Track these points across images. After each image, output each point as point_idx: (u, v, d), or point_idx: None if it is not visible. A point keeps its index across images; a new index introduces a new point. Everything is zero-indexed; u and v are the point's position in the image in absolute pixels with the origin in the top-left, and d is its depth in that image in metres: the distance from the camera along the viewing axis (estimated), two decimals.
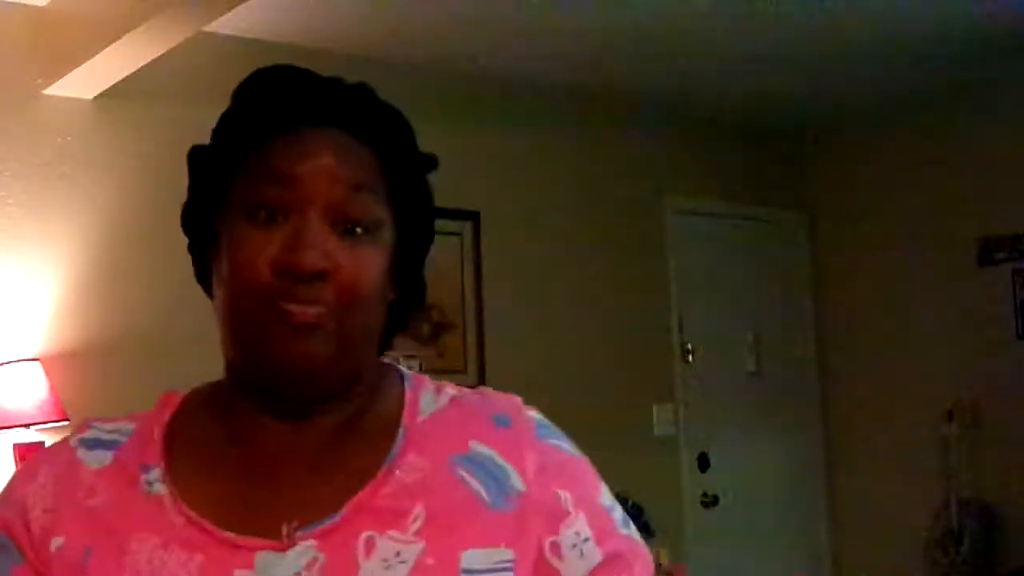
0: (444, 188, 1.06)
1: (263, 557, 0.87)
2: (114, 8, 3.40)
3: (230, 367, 0.96)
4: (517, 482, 0.93)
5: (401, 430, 0.95)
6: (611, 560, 0.94)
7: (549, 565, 0.92)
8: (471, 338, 4.53)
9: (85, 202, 3.79)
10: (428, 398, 0.98)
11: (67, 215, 3.75)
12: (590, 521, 0.95)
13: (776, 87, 5.06)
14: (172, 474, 0.92)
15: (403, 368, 1.02)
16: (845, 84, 5.05)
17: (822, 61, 4.72)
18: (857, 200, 5.61)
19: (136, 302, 3.82)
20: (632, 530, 0.99)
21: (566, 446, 0.98)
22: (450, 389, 1.00)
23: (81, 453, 0.95)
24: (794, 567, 5.39)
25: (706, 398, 5.20)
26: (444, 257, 4.39)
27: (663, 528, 3.57)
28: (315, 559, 0.87)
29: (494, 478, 0.93)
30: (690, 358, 5.24)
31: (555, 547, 0.93)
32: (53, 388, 3.47)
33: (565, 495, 0.94)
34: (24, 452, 3.41)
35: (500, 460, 0.94)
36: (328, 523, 0.88)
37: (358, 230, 0.89)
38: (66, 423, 3.48)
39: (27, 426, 3.42)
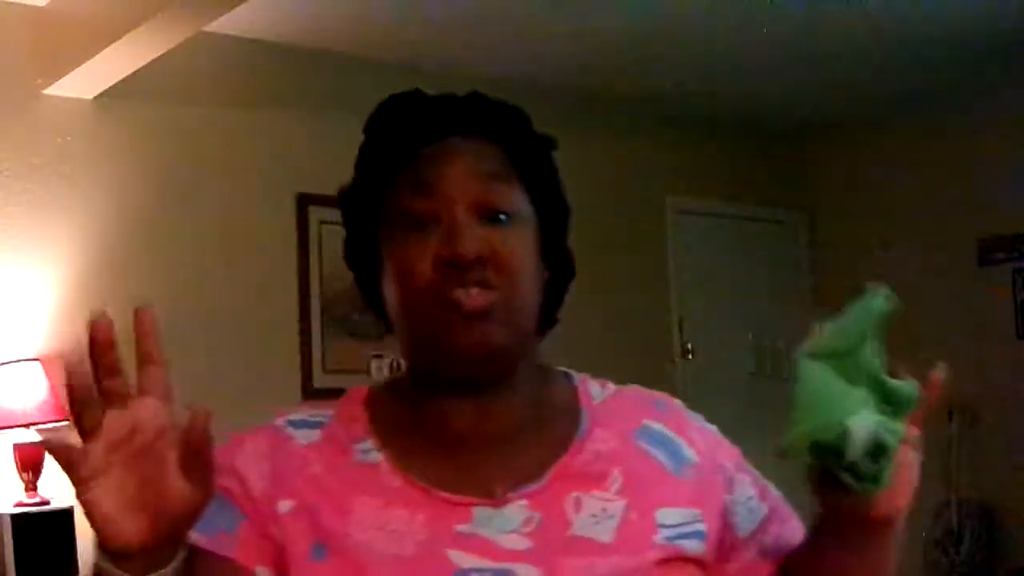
0: None
1: (481, 512, 0.96)
2: (114, 8, 3.40)
3: (412, 367, 1.05)
4: (689, 453, 1.05)
5: (584, 411, 1.05)
6: (773, 513, 1.07)
7: (727, 520, 1.04)
8: None
9: (85, 202, 3.79)
10: (596, 389, 1.09)
11: (67, 215, 3.75)
12: (752, 483, 1.08)
13: (776, 87, 5.06)
14: (383, 444, 1.01)
15: (566, 369, 1.11)
16: (845, 84, 5.05)
17: (822, 61, 4.72)
18: (857, 200, 5.61)
19: (136, 302, 3.80)
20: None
21: (712, 428, 1.11)
22: (612, 385, 1.10)
23: (290, 430, 1.03)
24: None
25: (706, 397, 5.19)
26: None
27: None
28: (531, 516, 0.96)
29: (670, 450, 1.04)
30: (690, 357, 5.25)
31: (732, 504, 1.04)
32: (53, 388, 3.47)
33: (727, 464, 1.07)
34: (24, 452, 3.41)
35: (671, 434, 1.05)
36: (535, 486, 0.98)
37: (502, 217, 0.98)
38: (66, 423, 3.48)
39: (27, 426, 3.42)
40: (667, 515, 1.00)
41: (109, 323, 0.89)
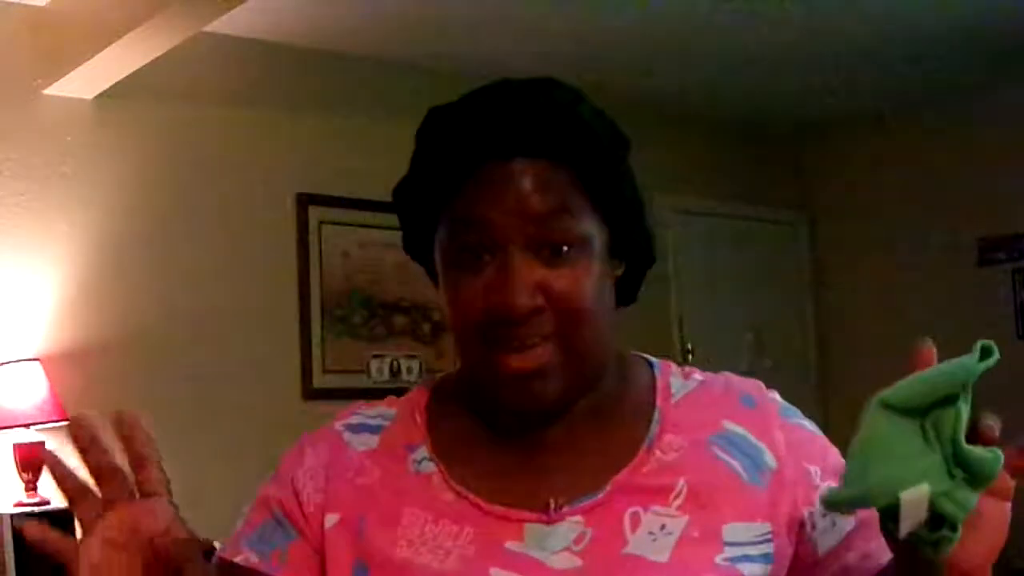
0: None
1: (532, 529, 0.91)
2: (114, 8, 3.40)
3: (465, 374, 1.01)
4: (770, 459, 0.95)
5: (656, 412, 0.98)
6: (862, 527, 0.95)
7: (805, 535, 0.94)
8: None
9: (85, 202, 3.79)
10: (677, 382, 1.01)
11: (67, 215, 3.75)
12: None
13: (776, 87, 5.06)
14: (437, 454, 0.97)
15: (649, 356, 1.04)
16: (845, 84, 5.05)
17: (822, 61, 4.72)
18: (857, 200, 5.61)
19: (136, 302, 3.82)
20: None
21: (808, 425, 1.01)
22: (697, 374, 1.02)
23: (348, 436, 1.01)
24: None
25: None
26: None
27: None
28: (583, 533, 0.91)
29: (748, 456, 0.95)
30: (690, 357, 5.25)
31: (812, 517, 0.95)
32: (53, 388, 3.47)
33: (814, 469, 0.96)
34: (24, 452, 3.41)
35: (752, 439, 0.96)
36: (592, 500, 0.92)
37: (565, 249, 0.89)
38: (66, 423, 3.48)
39: (27, 426, 3.42)
40: (735, 531, 0.92)
41: (89, 424, 0.85)
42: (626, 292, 1.00)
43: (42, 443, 3.43)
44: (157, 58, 3.50)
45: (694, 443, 0.95)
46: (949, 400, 0.79)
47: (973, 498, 0.76)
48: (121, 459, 0.84)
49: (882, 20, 4.30)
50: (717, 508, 0.92)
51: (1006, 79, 4.95)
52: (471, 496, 0.94)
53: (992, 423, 0.81)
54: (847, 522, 0.95)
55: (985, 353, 0.81)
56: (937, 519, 0.75)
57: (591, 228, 0.92)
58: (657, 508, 0.91)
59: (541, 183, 0.90)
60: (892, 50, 4.63)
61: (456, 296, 0.91)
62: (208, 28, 3.58)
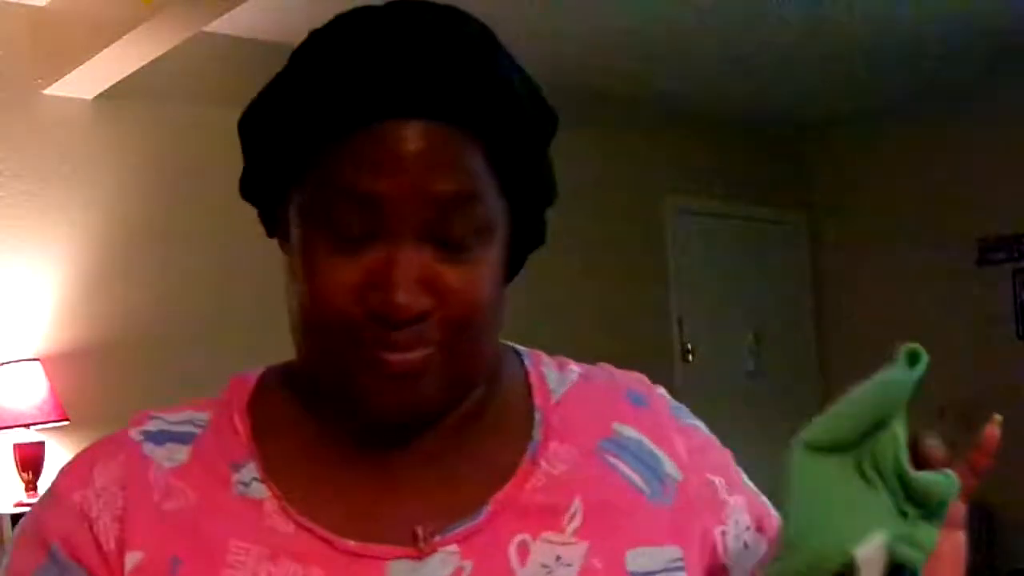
0: None
1: (397, 567, 0.73)
2: (114, 8, 3.40)
3: (312, 378, 0.79)
4: (672, 469, 0.80)
5: (538, 415, 0.81)
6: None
7: (716, 559, 0.80)
8: None
9: (85, 202, 3.80)
10: (553, 375, 0.84)
11: (67, 215, 3.75)
12: (747, 508, 0.83)
13: (776, 87, 5.06)
14: (270, 472, 0.76)
15: (515, 345, 0.87)
16: (845, 84, 5.05)
17: (822, 61, 4.72)
18: (857, 200, 5.61)
19: (136, 302, 3.82)
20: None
21: (702, 427, 0.86)
22: (572, 365, 0.86)
23: (148, 448, 0.77)
24: None
25: (706, 397, 5.20)
26: None
27: None
28: (460, 568, 0.73)
29: (647, 466, 0.80)
30: (690, 357, 5.24)
31: (723, 537, 0.81)
32: (53, 388, 3.47)
33: (718, 481, 0.82)
34: (24, 452, 3.42)
35: (649, 444, 0.81)
36: (470, 524, 0.74)
37: (465, 241, 0.71)
38: (66, 423, 3.48)
39: (27, 426, 3.42)
40: (641, 558, 0.76)
41: None
42: (509, 271, 0.80)
43: (42, 443, 3.43)
44: (157, 58, 3.50)
45: (584, 451, 0.79)
46: (881, 426, 0.65)
47: (933, 534, 0.65)
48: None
49: (882, 20, 4.31)
50: (619, 530, 0.76)
51: (1005, 79, 4.95)
52: (317, 528, 0.73)
53: (935, 442, 0.68)
54: (759, 543, 0.82)
55: (912, 359, 0.65)
56: (896, 569, 0.64)
57: (497, 216, 0.73)
58: (549, 535, 0.75)
59: (448, 157, 0.70)
60: (892, 50, 4.63)
61: (319, 281, 0.71)
62: (208, 28, 3.58)
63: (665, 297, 5.23)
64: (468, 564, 0.73)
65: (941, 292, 5.18)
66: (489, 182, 0.72)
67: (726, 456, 0.86)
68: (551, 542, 0.75)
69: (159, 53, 3.48)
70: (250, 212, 0.85)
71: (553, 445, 0.79)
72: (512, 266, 0.79)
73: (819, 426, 0.66)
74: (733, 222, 5.58)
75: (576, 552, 0.75)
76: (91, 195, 3.81)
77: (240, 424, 0.79)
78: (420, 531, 0.73)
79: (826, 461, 0.65)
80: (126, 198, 3.87)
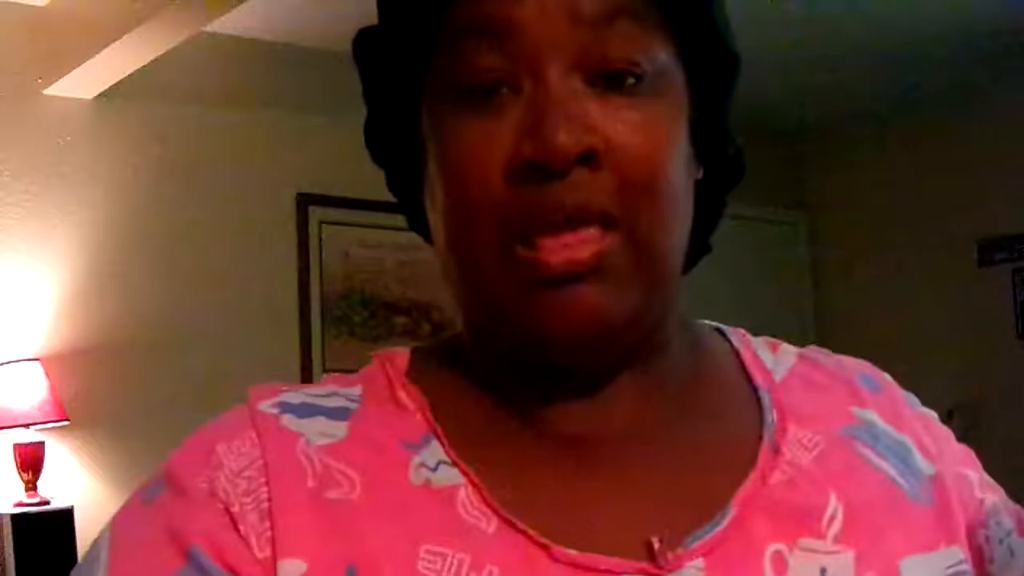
0: None
1: None
2: (114, 8, 3.40)
3: (474, 335, 0.65)
4: (922, 462, 0.67)
5: (763, 393, 0.67)
6: None
7: (982, 570, 0.66)
8: None
9: (85, 202, 3.80)
10: (767, 356, 0.71)
11: (67, 215, 3.76)
12: (1005, 507, 0.69)
13: (775, 87, 5.06)
14: (460, 454, 0.60)
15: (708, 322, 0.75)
16: (845, 84, 5.04)
17: (822, 61, 4.72)
18: (857, 200, 5.61)
19: (136, 302, 3.82)
20: None
21: (935, 416, 0.73)
22: (785, 345, 0.74)
23: (289, 421, 0.61)
24: None
25: None
26: None
27: None
28: None
29: (899, 457, 0.66)
30: None
31: (987, 544, 0.67)
32: (53, 388, 3.47)
33: (974, 476, 0.69)
34: (24, 452, 3.41)
35: (895, 433, 0.67)
36: (715, 532, 0.58)
37: (630, 80, 0.58)
38: (66, 423, 3.48)
39: (27, 426, 3.42)
40: (916, 568, 0.61)
41: None
42: (700, 231, 0.69)
43: (42, 443, 3.43)
44: (157, 58, 3.50)
45: (831, 439, 0.65)
46: None
47: None
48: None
49: (882, 20, 4.30)
50: (887, 535, 0.61)
51: (1006, 79, 4.94)
52: (528, 528, 0.57)
53: None
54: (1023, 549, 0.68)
55: None
56: None
57: (666, 55, 0.60)
58: (809, 541, 0.59)
59: None
60: (892, 50, 4.63)
61: (457, 151, 0.58)
62: (208, 28, 3.58)
63: None
64: None
65: (941, 292, 5.18)
66: (649, 8, 0.59)
67: (969, 450, 0.72)
68: (813, 551, 0.59)
69: (159, 53, 3.48)
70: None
71: (792, 429, 0.65)
72: (707, 219, 0.70)
73: None
74: (732, 222, 5.50)
75: (844, 563, 0.59)
76: (91, 195, 3.81)
77: (408, 398, 0.63)
78: (656, 541, 0.57)
79: None
80: (126, 198, 3.87)
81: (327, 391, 0.64)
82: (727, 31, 0.68)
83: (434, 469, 0.59)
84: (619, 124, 0.57)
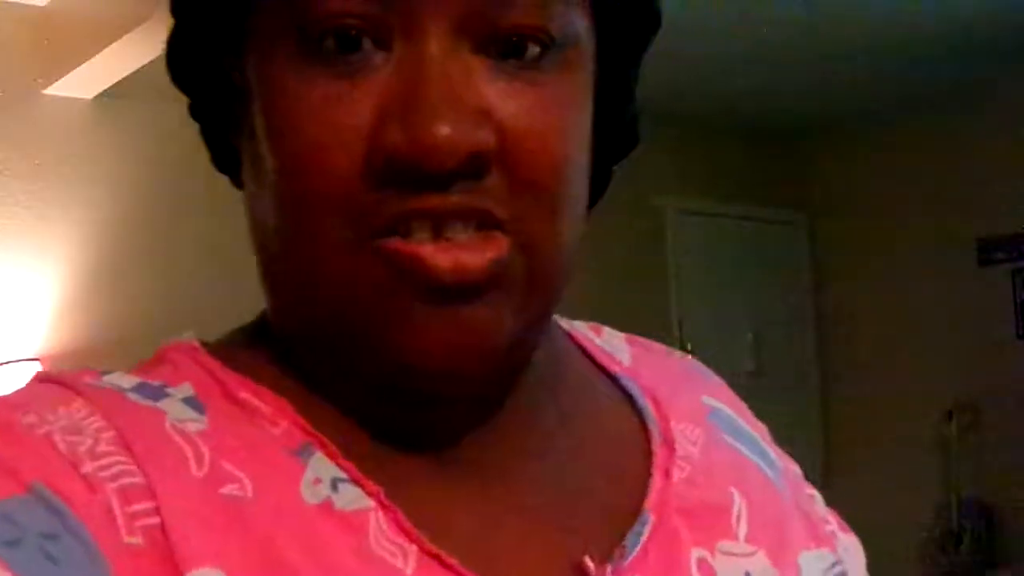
0: None
1: None
2: (114, 8, 3.40)
3: (297, 326, 0.51)
4: (772, 454, 0.62)
5: (628, 383, 0.58)
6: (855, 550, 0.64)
7: None
8: None
9: (85, 202, 3.80)
10: (600, 339, 0.62)
11: (67, 215, 3.76)
12: (823, 503, 0.66)
13: (776, 87, 5.06)
14: (358, 472, 0.47)
15: None
16: (845, 84, 5.04)
17: (822, 61, 4.72)
18: (857, 200, 5.61)
19: (136, 301, 3.82)
20: None
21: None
22: (607, 328, 0.64)
23: (136, 397, 0.48)
24: None
25: None
26: None
27: None
28: None
29: (757, 448, 0.61)
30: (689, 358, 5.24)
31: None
32: None
33: (798, 470, 0.65)
34: None
35: (743, 423, 0.63)
36: (641, 542, 0.51)
37: (533, 50, 0.45)
38: None
39: None
40: (810, 565, 0.56)
41: None
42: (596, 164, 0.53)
43: None
44: (157, 58, 3.49)
45: (705, 430, 0.59)
46: None
47: None
48: None
49: (882, 20, 4.30)
50: (784, 531, 0.57)
51: (1006, 79, 4.94)
52: (458, 564, 0.46)
53: None
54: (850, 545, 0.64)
55: None
56: None
57: (579, 21, 0.47)
58: (725, 544, 0.53)
59: None
60: (892, 50, 4.63)
61: (293, 125, 0.44)
62: None
63: (665, 297, 5.23)
64: None
65: (941, 292, 5.18)
66: None
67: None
68: (732, 554, 0.53)
69: (159, 53, 3.46)
70: None
71: (674, 421, 0.57)
72: (598, 158, 0.51)
73: None
74: (733, 222, 5.58)
75: (761, 564, 0.53)
76: (91, 194, 3.81)
77: (260, 400, 0.48)
78: (589, 561, 0.49)
79: None
80: (126, 198, 3.87)
81: (151, 382, 0.50)
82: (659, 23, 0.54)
83: (334, 488, 0.46)
84: (517, 109, 0.44)
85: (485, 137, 0.43)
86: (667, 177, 5.31)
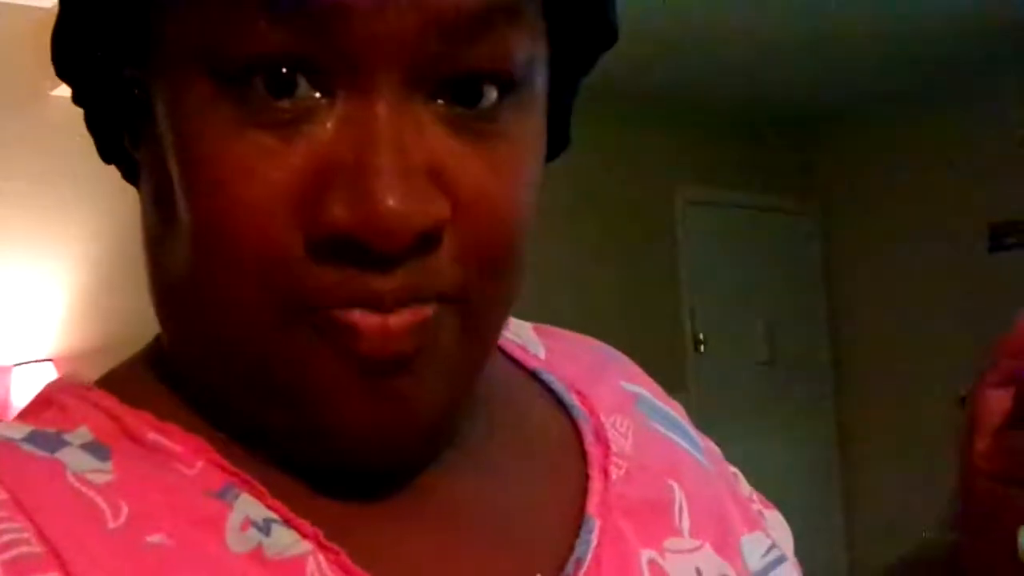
0: None
1: None
2: None
3: (190, 365, 0.47)
4: (691, 431, 0.60)
5: (548, 376, 0.55)
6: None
7: None
8: None
9: (94, 203, 3.80)
10: (523, 332, 0.60)
11: (77, 216, 3.76)
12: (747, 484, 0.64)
13: (786, 78, 5.04)
14: (290, 512, 0.43)
15: None
16: (856, 74, 5.03)
17: (832, 51, 4.70)
18: (868, 189, 5.60)
19: (147, 302, 3.82)
20: None
21: None
22: (511, 319, 0.56)
23: (31, 448, 0.42)
24: (806, 553, 5.38)
25: (718, 388, 5.19)
26: None
27: None
28: None
29: (681, 431, 0.59)
30: (702, 348, 5.24)
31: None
32: None
33: (716, 449, 0.63)
34: None
35: (659, 404, 0.59)
36: (590, 550, 0.47)
37: (491, 94, 0.40)
38: None
39: None
40: (751, 549, 0.54)
41: None
42: None
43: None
44: None
45: (633, 420, 0.56)
46: None
47: None
48: None
49: (893, 6, 4.29)
50: (724, 518, 0.54)
51: (1017, 65, 4.92)
52: None
53: None
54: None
55: None
56: None
57: (534, 48, 0.42)
58: (672, 541, 0.50)
59: None
60: (903, 38, 4.61)
61: (212, 176, 0.39)
62: None
63: (677, 288, 5.22)
64: None
65: (953, 279, 5.17)
66: (532, 15, 0.41)
67: None
68: (680, 551, 0.50)
69: None
70: None
71: (602, 415, 0.54)
72: None
73: None
74: (744, 212, 5.57)
75: (709, 558, 0.51)
76: (100, 195, 3.82)
77: (169, 440, 0.43)
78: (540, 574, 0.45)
79: None
80: (135, 198, 3.88)
81: (41, 430, 0.43)
82: (612, 4, 0.51)
83: (267, 532, 0.40)
84: (471, 170, 0.40)
85: (438, 211, 0.38)
86: (677, 168, 5.30)
